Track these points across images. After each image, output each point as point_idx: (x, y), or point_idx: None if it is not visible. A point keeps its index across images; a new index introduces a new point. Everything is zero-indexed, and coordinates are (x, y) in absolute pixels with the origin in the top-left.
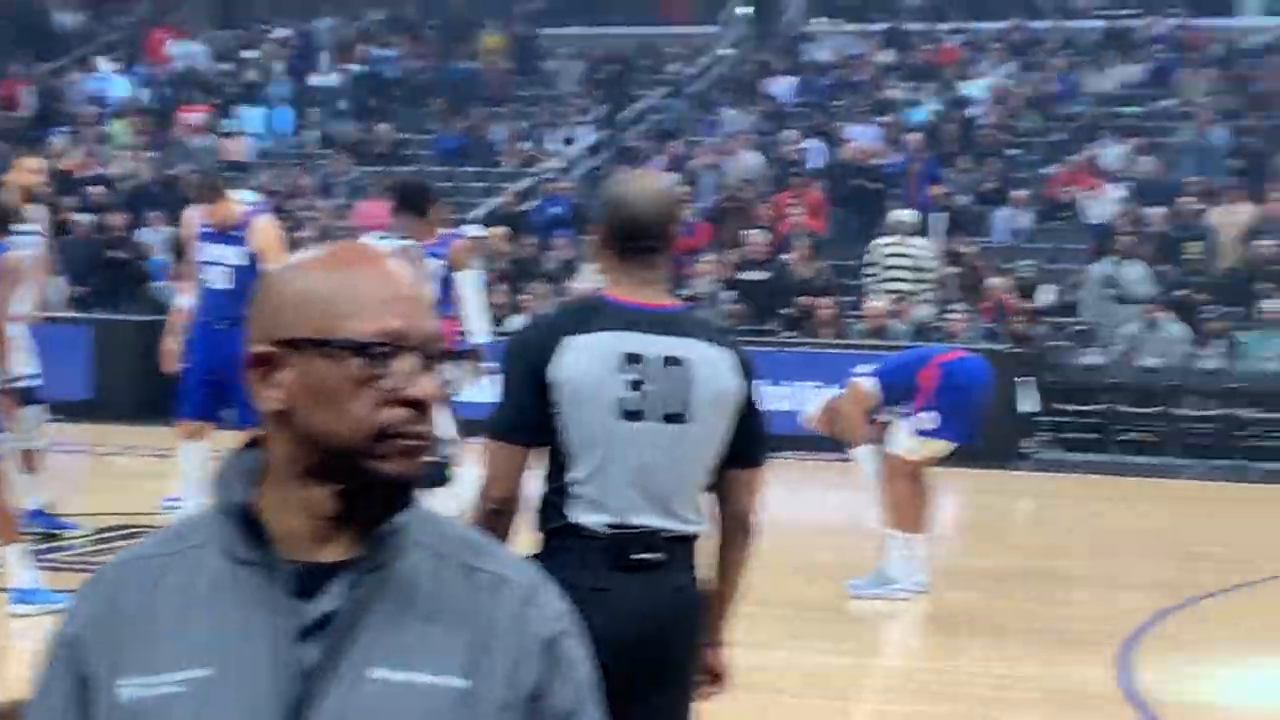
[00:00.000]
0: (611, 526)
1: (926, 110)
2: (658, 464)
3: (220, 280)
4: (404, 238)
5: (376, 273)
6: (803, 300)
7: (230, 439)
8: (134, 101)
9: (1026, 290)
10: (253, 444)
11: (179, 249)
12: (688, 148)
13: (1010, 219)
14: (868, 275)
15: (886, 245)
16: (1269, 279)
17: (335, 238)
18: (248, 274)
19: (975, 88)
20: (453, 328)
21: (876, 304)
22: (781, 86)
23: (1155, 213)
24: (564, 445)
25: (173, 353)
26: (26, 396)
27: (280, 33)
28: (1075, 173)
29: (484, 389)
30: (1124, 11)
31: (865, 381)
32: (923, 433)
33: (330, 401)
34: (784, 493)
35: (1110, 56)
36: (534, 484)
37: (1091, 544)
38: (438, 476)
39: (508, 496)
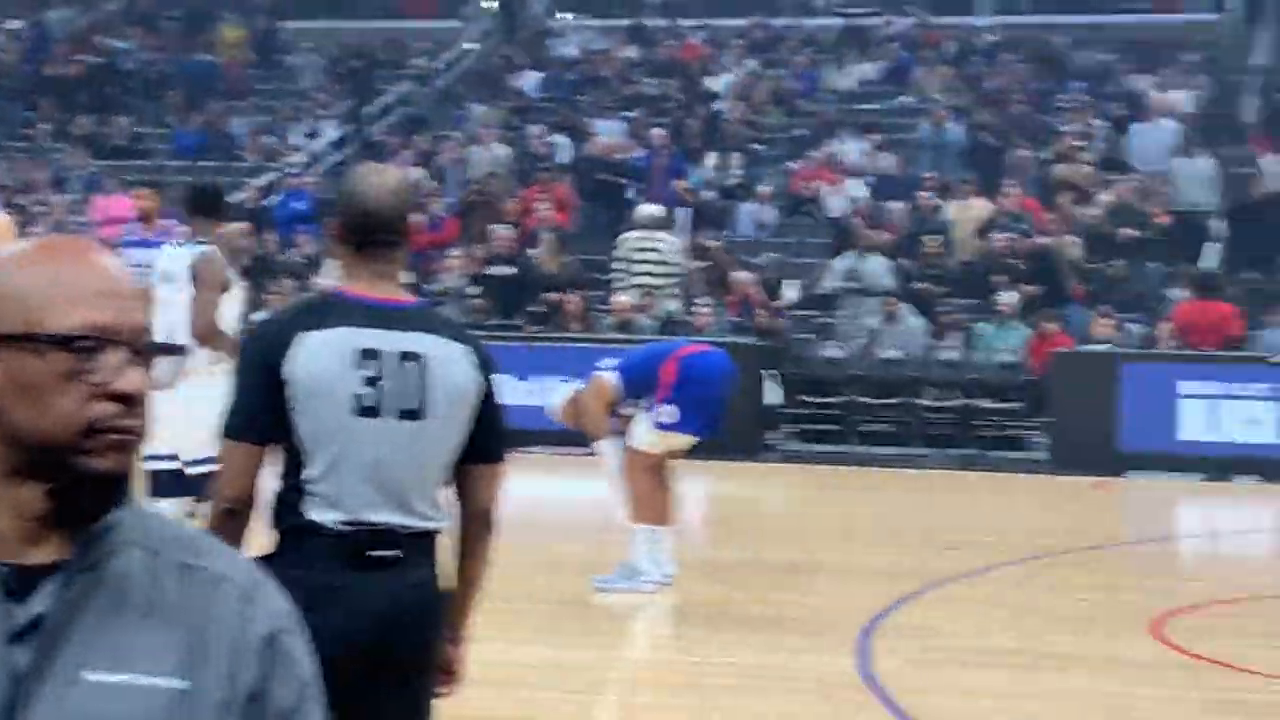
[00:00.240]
0: (347, 524)
1: None
2: (394, 460)
3: None
4: (200, 241)
5: (83, 266)
6: (550, 295)
7: None
8: None
9: (771, 284)
10: None
11: None
12: (434, 142)
13: (754, 214)
14: (615, 270)
15: (633, 240)
16: (1003, 272)
17: (70, 232)
18: None
19: (718, 83)
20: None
21: (623, 298)
22: (527, 81)
23: (895, 207)
24: (299, 442)
25: None
26: None
27: (12, 24)
28: (817, 168)
29: None
30: (862, 10)
31: (607, 376)
32: (663, 426)
33: (36, 397)
34: (531, 487)
35: (849, 54)
36: (270, 482)
37: (834, 534)
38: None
39: (242, 495)
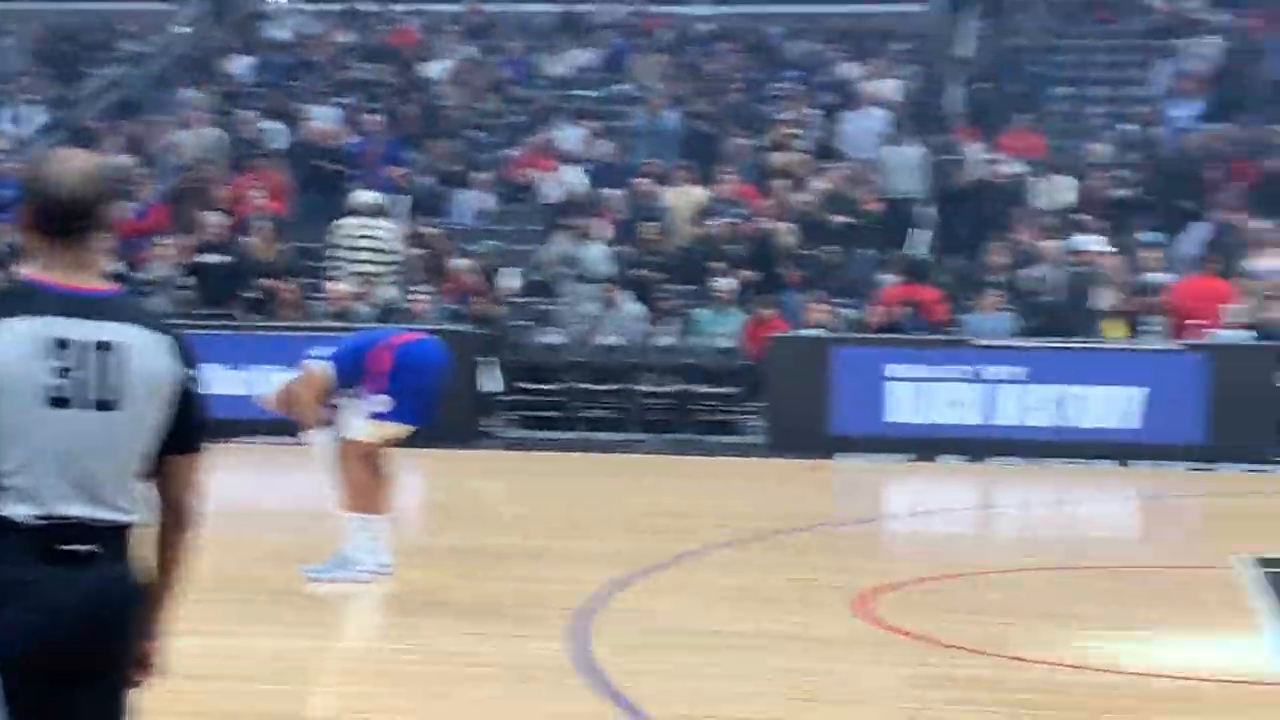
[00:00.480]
0: (40, 517)
1: None
2: (87, 452)
3: None
4: None
5: None
6: (264, 283)
7: None
8: None
9: (489, 271)
10: None
11: None
12: (145, 128)
13: (472, 201)
14: (331, 257)
15: (350, 227)
16: (720, 258)
17: None
18: None
19: (434, 69)
20: None
21: (340, 286)
22: (239, 66)
23: (613, 194)
24: None
25: None
26: None
27: None
28: (534, 155)
29: None
30: None
31: (318, 365)
32: (376, 415)
33: None
34: (243, 477)
35: (565, 41)
36: None
37: (553, 520)
38: None
39: None
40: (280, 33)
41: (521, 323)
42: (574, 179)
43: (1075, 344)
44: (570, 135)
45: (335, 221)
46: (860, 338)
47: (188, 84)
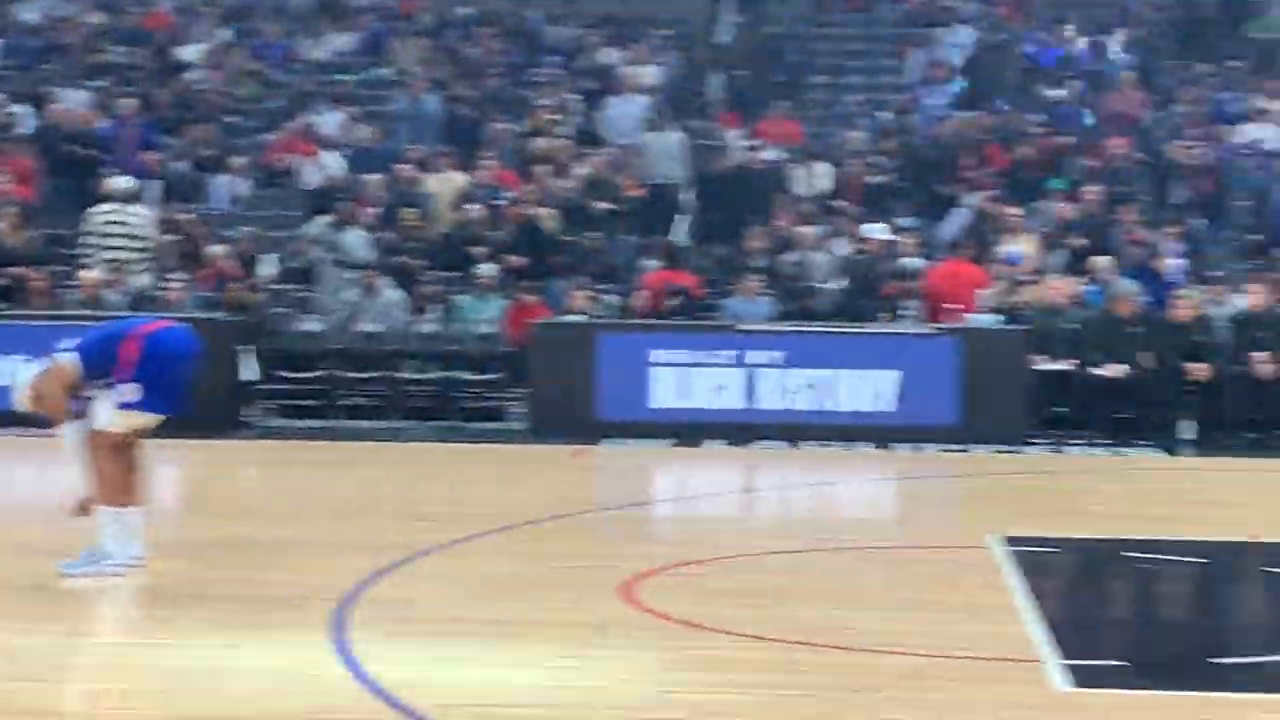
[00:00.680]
0: None
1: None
2: None
3: None
4: None
5: None
6: (12, 271)
7: None
8: None
9: (246, 258)
10: None
11: None
12: None
13: (229, 186)
14: (83, 244)
15: (102, 214)
16: (481, 244)
17: None
18: None
19: (189, 53)
20: None
21: (91, 274)
22: None
23: (373, 180)
24: None
25: None
26: None
27: None
28: (292, 140)
29: None
30: None
31: (65, 357)
32: (125, 405)
33: None
34: None
35: (323, 25)
36: None
37: (314, 510)
38: None
39: None
40: (30, 15)
41: (280, 310)
42: (333, 164)
43: (833, 328)
44: (329, 120)
45: (87, 208)
46: (623, 323)
47: None
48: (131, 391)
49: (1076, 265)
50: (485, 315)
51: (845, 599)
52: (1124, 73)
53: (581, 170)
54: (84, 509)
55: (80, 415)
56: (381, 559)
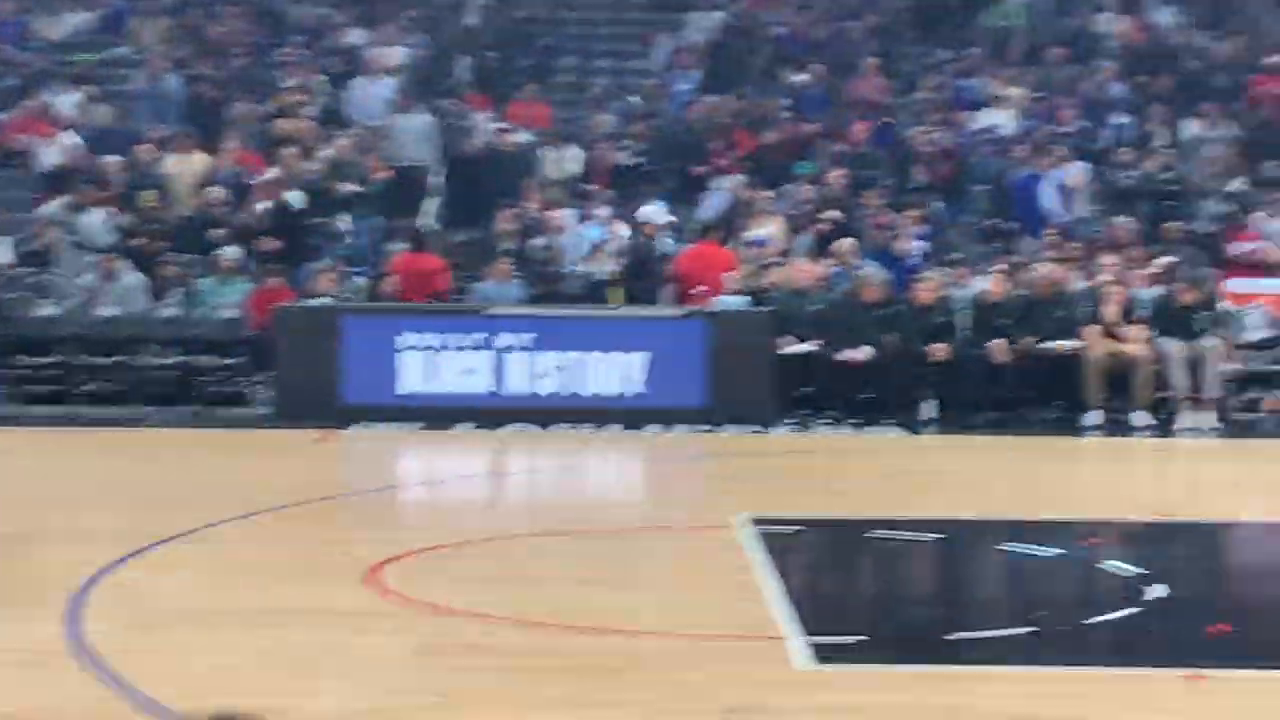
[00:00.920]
0: None
1: None
2: None
3: None
4: None
5: None
6: None
7: None
8: None
9: None
10: None
11: None
12: None
13: None
14: None
15: None
16: (224, 227)
17: None
18: None
19: None
20: None
21: None
22: None
23: (112, 161)
24: None
25: None
26: None
27: None
28: (29, 120)
29: None
30: None
31: None
32: None
33: None
34: None
35: (60, 3)
36: None
37: (51, 498)
38: None
39: None
40: None
41: (15, 294)
42: (71, 145)
43: (582, 311)
44: (66, 100)
45: None
46: (371, 307)
47: None
48: None
49: (822, 249)
50: (228, 299)
51: (593, 581)
52: (867, 59)
53: (327, 152)
54: None
55: None
56: (122, 548)
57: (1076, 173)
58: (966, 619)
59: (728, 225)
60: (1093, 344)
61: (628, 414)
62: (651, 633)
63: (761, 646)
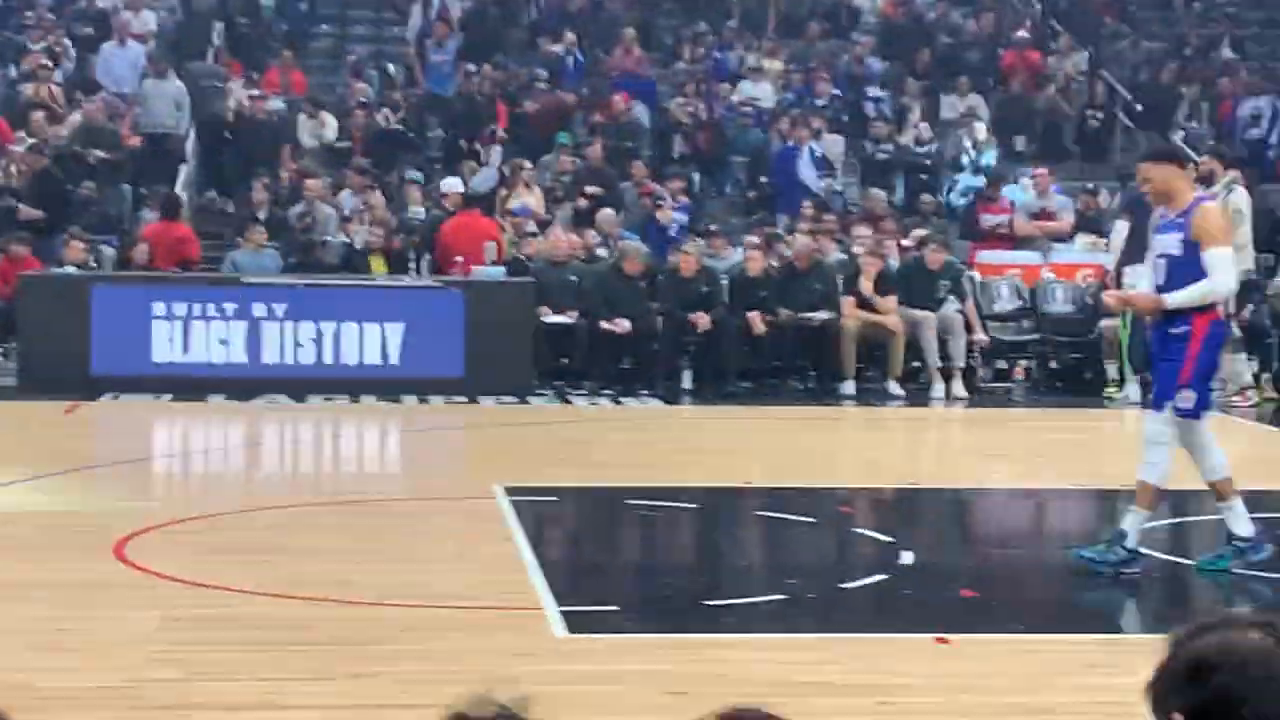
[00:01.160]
0: None
1: None
2: None
3: None
4: None
5: None
6: None
7: None
8: None
9: None
10: None
11: None
12: None
13: None
14: None
15: None
16: None
17: None
18: None
19: None
20: None
21: None
22: None
23: None
24: None
25: None
26: None
27: None
28: None
29: None
30: None
31: None
32: None
33: None
34: None
35: None
36: None
37: None
38: None
39: None
40: None
41: None
42: None
43: (338, 281)
44: None
45: None
46: (121, 276)
47: None
48: None
49: (583, 219)
50: None
51: (347, 553)
52: (626, 29)
53: (75, 118)
54: None
55: None
56: None
57: (833, 145)
58: (722, 587)
59: (488, 195)
60: (848, 314)
61: (384, 385)
62: (406, 603)
63: (520, 617)
